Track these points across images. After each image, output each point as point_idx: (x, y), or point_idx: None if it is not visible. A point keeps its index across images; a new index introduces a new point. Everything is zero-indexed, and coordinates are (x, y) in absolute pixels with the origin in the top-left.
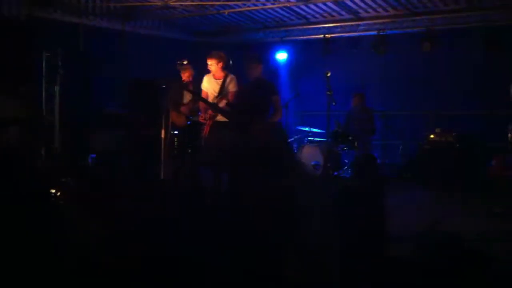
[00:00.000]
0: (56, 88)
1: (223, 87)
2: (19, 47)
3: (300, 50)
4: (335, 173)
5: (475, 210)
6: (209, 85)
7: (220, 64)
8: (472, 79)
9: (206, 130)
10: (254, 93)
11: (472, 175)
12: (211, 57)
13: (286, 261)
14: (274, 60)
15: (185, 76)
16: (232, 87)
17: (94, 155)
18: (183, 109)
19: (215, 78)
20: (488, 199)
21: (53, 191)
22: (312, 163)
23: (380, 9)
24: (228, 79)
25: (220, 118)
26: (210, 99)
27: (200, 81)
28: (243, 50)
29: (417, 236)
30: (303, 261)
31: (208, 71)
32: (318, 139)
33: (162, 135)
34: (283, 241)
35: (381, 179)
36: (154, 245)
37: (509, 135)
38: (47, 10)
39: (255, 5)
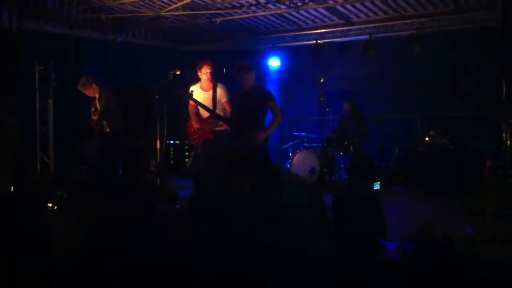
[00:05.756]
0: (50, 101)
1: (215, 100)
2: (9, 59)
3: (293, 56)
4: (333, 177)
5: (467, 211)
6: (199, 98)
7: (211, 75)
8: (463, 80)
9: (201, 138)
10: (249, 101)
11: (466, 176)
12: (202, 67)
13: (278, 266)
14: (267, 67)
15: (90, 93)
16: (224, 98)
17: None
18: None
19: (204, 90)
20: (481, 200)
21: (50, 205)
22: (308, 168)
23: (370, 14)
24: (218, 90)
25: (219, 127)
26: (204, 113)
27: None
28: (235, 57)
29: (410, 239)
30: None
31: (197, 81)
32: (313, 144)
33: (158, 145)
34: (275, 247)
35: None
36: (148, 253)
37: (503, 135)
38: (38, 21)
39: (247, 13)
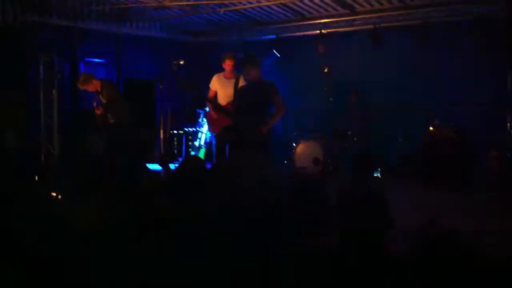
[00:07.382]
0: (54, 92)
1: (236, 88)
2: (14, 54)
3: (296, 46)
4: (338, 169)
5: (473, 205)
6: (220, 86)
7: (233, 67)
8: (470, 72)
9: (219, 126)
10: (253, 94)
11: (472, 168)
12: (227, 57)
13: (279, 259)
14: (271, 57)
15: (91, 88)
16: None
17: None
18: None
19: (226, 78)
20: (485, 193)
21: (54, 194)
22: (311, 159)
23: (375, 3)
24: (240, 81)
25: None
26: (223, 101)
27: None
28: (240, 48)
29: (414, 234)
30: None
31: (213, 71)
32: (318, 134)
33: (161, 136)
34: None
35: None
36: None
37: (508, 125)
38: (42, 14)
39: (250, 3)
